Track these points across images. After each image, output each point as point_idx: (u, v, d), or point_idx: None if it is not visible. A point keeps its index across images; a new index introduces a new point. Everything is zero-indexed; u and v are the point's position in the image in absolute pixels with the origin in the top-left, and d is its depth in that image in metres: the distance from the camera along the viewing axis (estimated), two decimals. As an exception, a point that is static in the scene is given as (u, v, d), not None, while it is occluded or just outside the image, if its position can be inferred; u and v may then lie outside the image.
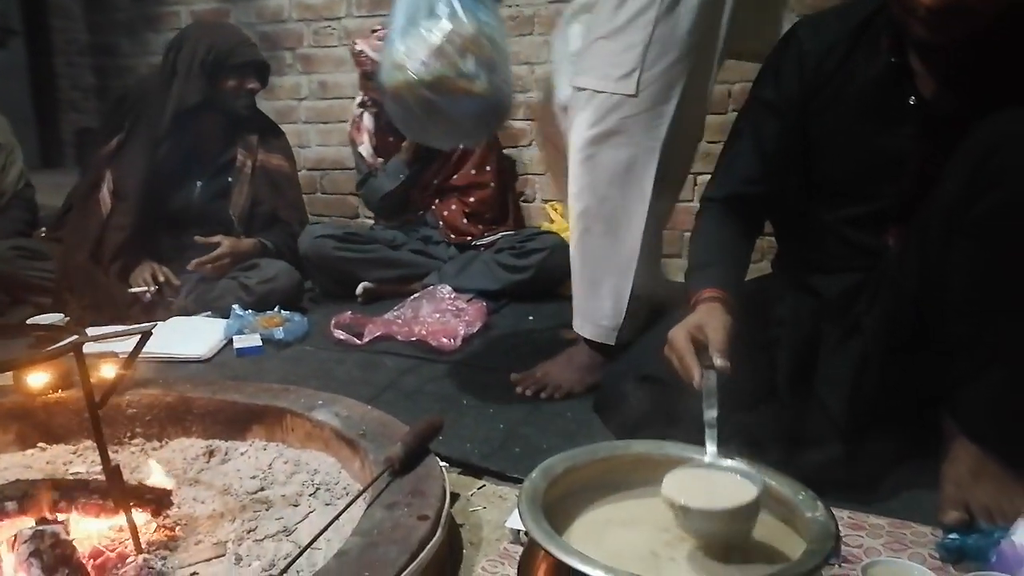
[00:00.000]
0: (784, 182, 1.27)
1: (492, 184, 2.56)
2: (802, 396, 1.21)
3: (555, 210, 2.75)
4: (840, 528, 1.01)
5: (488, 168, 2.58)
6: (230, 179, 2.31)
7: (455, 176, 2.53)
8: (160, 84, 2.22)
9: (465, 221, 2.50)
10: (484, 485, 1.26)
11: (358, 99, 2.58)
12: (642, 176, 1.46)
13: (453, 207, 2.51)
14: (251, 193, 2.33)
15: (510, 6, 2.56)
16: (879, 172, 1.17)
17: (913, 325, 1.13)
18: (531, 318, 2.17)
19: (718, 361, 0.99)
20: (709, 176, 2.35)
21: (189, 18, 3.23)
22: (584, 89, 1.47)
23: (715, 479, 0.85)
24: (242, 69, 2.25)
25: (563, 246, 2.35)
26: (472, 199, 2.52)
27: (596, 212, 1.49)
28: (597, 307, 1.55)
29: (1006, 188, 0.98)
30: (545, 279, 2.32)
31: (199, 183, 2.28)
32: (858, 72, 1.16)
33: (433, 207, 2.53)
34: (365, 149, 2.53)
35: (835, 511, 1.03)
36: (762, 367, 1.23)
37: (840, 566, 0.96)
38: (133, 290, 2.10)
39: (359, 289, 2.31)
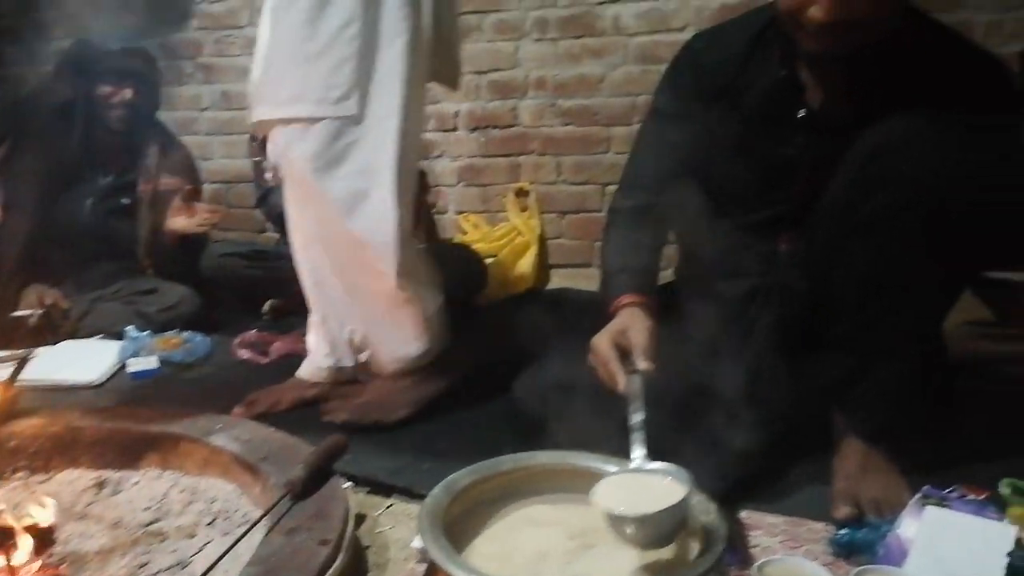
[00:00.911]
0: (685, 190, 1.30)
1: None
2: (704, 399, 1.24)
3: (468, 221, 2.75)
4: (737, 529, 1.05)
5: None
6: (124, 200, 2.19)
7: None
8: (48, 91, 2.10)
9: None
10: (392, 504, 1.23)
11: None
12: (378, 200, 1.37)
13: None
14: (152, 221, 2.22)
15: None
16: (772, 180, 1.21)
17: (804, 326, 1.18)
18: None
19: (642, 364, 1.01)
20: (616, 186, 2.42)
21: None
22: (295, 120, 1.34)
23: (644, 483, 0.86)
24: (115, 75, 2.11)
25: (478, 260, 2.36)
26: None
27: (348, 248, 1.40)
28: (393, 340, 1.50)
29: (889, 192, 1.04)
30: (459, 292, 2.30)
31: (89, 200, 2.16)
32: (752, 83, 1.20)
33: None
34: (267, 164, 2.46)
35: (734, 512, 1.07)
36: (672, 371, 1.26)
37: (737, 567, 0.98)
38: (16, 314, 1.97)
39: (266, 307, 2.24)
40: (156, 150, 2.25)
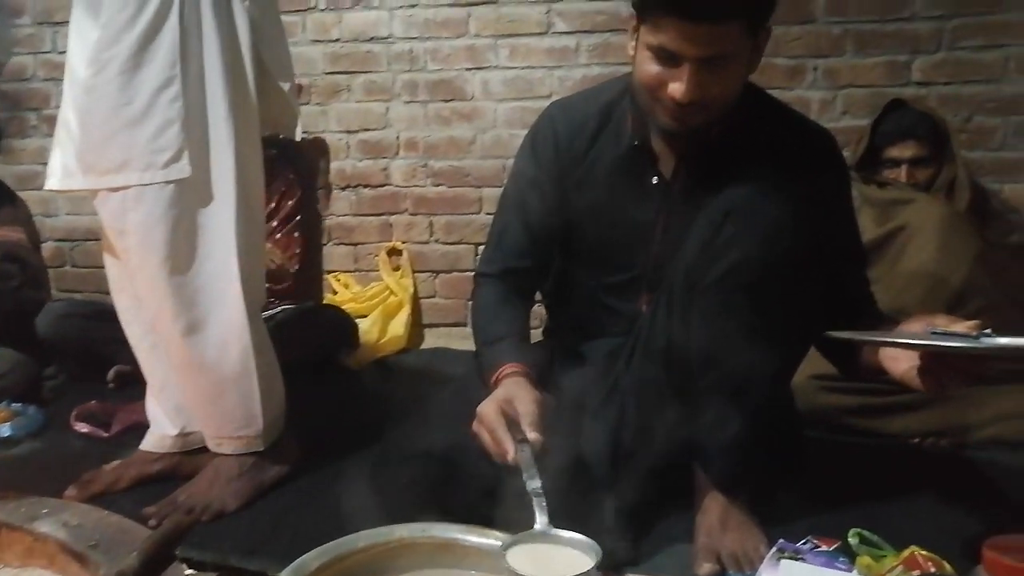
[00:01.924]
0: (549, 254, 1.33)
1: (297, 267, 2.48)
2: (573, 460, 1.23)
3: (338, 280, 2.69)
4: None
5: (296, 251, 2.49)
6: None
7: None
8: None
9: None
10: (246, 588, 1.14)
11: None
12: (220, 264, 1.30)
13: None
14: None
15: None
16: (630, 244, 1.26)
17: (664, 383, 1.20)
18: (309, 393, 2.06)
19: (531, 435, 0.99)
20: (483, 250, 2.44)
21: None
22: (122, 188, 1.25)
23: (551, 551, 0.84)
24: None
25: (343, 319, 2.30)
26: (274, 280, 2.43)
27: (187, 316, 1.31)
28: (229, 419, 1.38)
29: (735, 254, 1.09)
30: (327, 355, 2.23)
31: None
32: (606, 152, 1.25)
33: None
34: None
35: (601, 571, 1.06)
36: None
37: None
38: None
39: (111, 374, 2.07)
40: None
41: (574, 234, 1.29)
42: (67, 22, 2.70)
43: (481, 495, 1.07)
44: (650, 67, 1.09)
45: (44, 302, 2.15)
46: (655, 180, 1.22)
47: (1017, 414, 1.62)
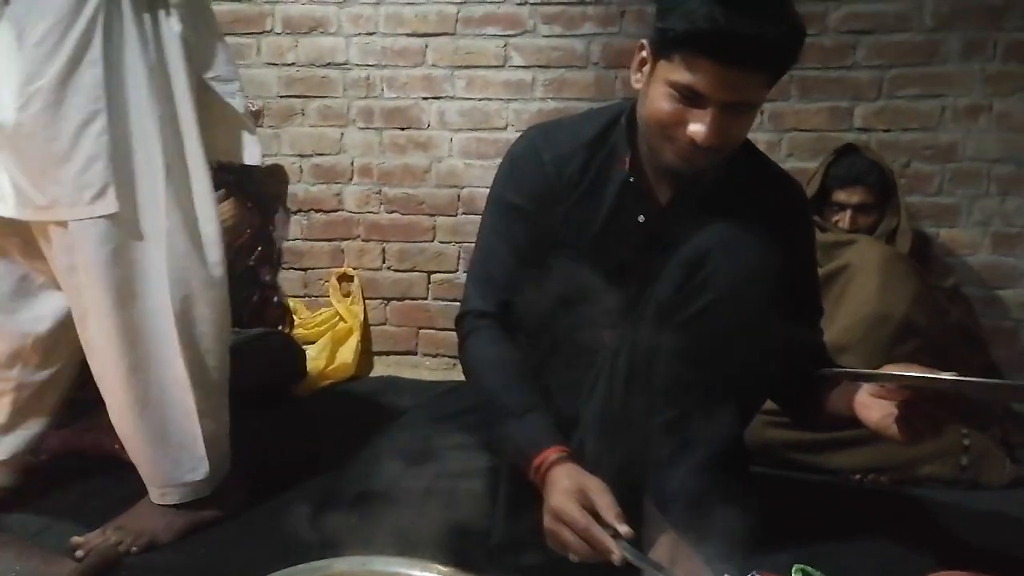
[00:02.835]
0: (528, 286, 1.25)
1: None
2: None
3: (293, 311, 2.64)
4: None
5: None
6: None
7: None
8: None
9: None
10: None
11: None
12: (160, 303, 1.26)
13: None
14: None
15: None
16: (605, 278, 1.23)
17: (622, 417, 1.20)
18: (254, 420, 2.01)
19: (623, 528, 0.95)
20: (442, 274, 2.42)
21: None
22: (50, 223, 1.23)
23: None
24: None
25: (290, 347, 2.26)
26: None
27: (129, 356, 1.27)
28: (173, 464, 1.34)
29: (708, 296, 1.09)
30: (273, 383, 2.18)
31: None
32: (592, 186, 1.22)
33: None
34: None
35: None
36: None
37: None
38: None
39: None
40: None
41: (553, 266, 1.24)
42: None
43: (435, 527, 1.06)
44: (668, 105, 1.07)
45: None
46: (641, 218, 1.20)
47: (952, 451, 1.67)
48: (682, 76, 1.04)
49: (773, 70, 1.06)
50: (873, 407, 1.08)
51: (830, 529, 1.38)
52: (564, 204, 1.22)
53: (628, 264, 1.22)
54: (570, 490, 0.99)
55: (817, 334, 1.31)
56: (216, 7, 2.55)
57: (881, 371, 1.05)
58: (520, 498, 1.10)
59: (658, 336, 1.14)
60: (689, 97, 1.05)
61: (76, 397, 1.99)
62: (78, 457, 1.66)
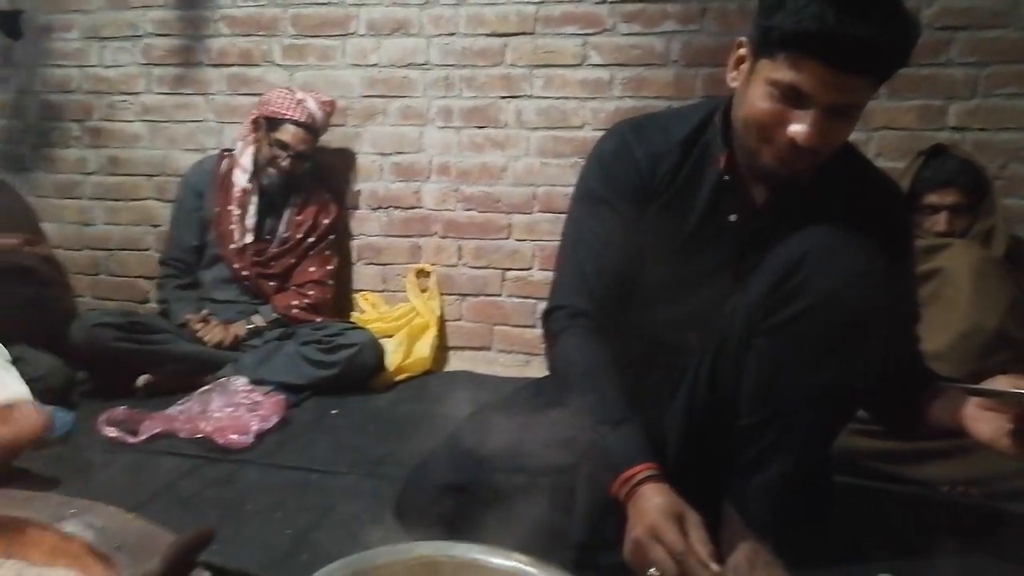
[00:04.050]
0: (631, 281, 1.23)
1: (331, 282, 2.55)
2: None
3: (366, 300, 2.71)
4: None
5: (330, 267, 2.54)
6: None
7: (295, 275, 2.51)
8: None
9: (298, 312, 2.44)
10: (263, 600, 1.14)
11: (246, 160, 2.43)
12: None
13: (293, 302, 2.44)
14: None
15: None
16: (694, 279, 1.22)
17: (705, 418, 1.19)
18: (335, 412, 2.07)
19: (715, 567, 0.93)
20: (517, 272, 2.44)
21: (-40, 79, 2.92)
22: None
23: None
24: None
25: (373, 343, 2.32)
26: (311, 292, 2.49)
27: None
28: None
29: (803, 301, 1.06)
30: (352, 375, 2.25)
31: None
32: (685, 185, 1.19)
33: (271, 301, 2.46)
34: (250, 218, 2.41)
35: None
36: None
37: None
38: None
39: (140, 381, 2.10)
40: None
41: (641, 265, 1.23)
42: (113, 37, 2.80)
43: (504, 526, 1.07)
44: (769, 104, 1.04)
45: (65, 303, 2.16)
46: (733, 218, 1.18)
47: (1051, 465, 1.59)
48: (785, 75, 1.01)
49: (882, 73, 1.03)
50: (984, 420, 1.04)
51: (917, 541, 1.34)
52: (655, 202, 1.20)
53: (719, 265, 1.20)
54: (669, 512, 0.97)
55: (913, 341, 1.26)
56: (304, 11, 2.67)
57: (1002, 389, 1.02)
58: (601, 498, 1.09)
59: (747, 340, 1.12)
60: (791, 97, 1.02)
61: (168, 384, 2.11)
62: (172, 439, 1.76)
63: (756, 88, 1.06)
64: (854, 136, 2.38)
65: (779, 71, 1.02)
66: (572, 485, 1.17)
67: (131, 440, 1.73)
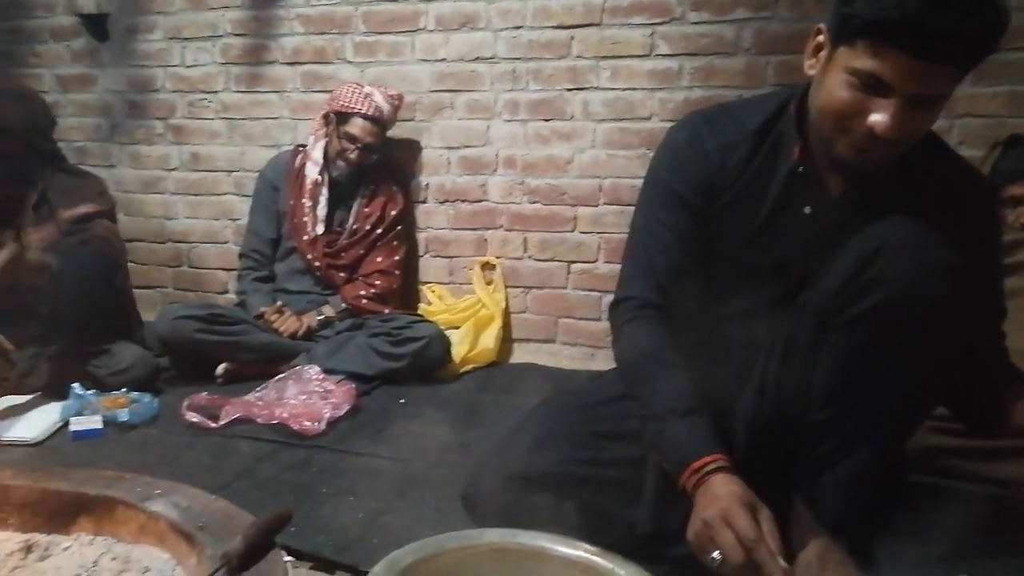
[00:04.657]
0: (698, 274, 1.22)
1: (397, 272, 2.60)
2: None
3: (432, 292, 2.75)
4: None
5: (397, 258, 2.60)
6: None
7: (363, 265, 2.56)
8: None
9: (366, 302, 2.50)
10: (337, 581, 1.19)
11: (317, 154, 2.50)
12: None
13: (361, 292, 2.50)
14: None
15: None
16: (767, 272, 1.20)
17: (776, 413, 1.17)
18: (403, 401, 2.12)
19: (783, 565, 0.93)
20: (582, 264, 2.44)
21: (55, 81, 3.09)
22: None
23: None
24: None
25: (440, 336, 2.36)
26: (378, 282, 2.54)
27: None
28: None
29: (880, 294, 1.04)
30: (419, 367, 2.29)
31: None
32: (758, 176, 1.17)
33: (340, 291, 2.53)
34: (321, 209, 2.47)
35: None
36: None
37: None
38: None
39: (219, 369, 2.19)
40: (55, 193, 2.08)
41: (710, 257, 1.22)
42: (195, 38, 2.91)
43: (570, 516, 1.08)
44: (847, 93, 1.01)
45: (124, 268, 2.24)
46: (808, 210, 1.16)
47: None
48: (865, 64, 0.98)
49: (967, 62, 0.98)
50: None
51: (996, 542, 1.29)
52: (727, 194, 1.18)
53: (791, 258, 1.17)
54: (743, 500, 0.97)
55: (997, 337, 1.21)
56: (375, 8, 2.72)
57: None
58: (668, 490, 1.09)
59: (819, 333, 1.10)
60: (871, 86, 0.99)
61: (247, 373, 2.19)
62: (250, 424, 1.83)
63: (834, 76, 1.03)
64: (936, 124, 2.31)
65: (859, 59, 0.99)
66: (639, 476, 1.17)
67: (212, 425, 1.81)
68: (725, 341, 1.24)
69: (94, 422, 1.75)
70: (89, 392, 1.85)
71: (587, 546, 0.93)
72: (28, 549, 1.21)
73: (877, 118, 0.99)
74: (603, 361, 2.53)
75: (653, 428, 1.10)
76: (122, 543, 1.22)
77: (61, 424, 1.77)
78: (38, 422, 1.75)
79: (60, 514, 1.25)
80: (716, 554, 0.94)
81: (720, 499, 0.97)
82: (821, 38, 1.08)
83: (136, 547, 1.21)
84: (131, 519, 1.22)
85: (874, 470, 1.10)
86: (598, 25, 2.51)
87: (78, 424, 1.74)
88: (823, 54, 1.08)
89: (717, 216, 1.19)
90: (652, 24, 2.46)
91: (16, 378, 1.96)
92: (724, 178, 1.18)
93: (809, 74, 1.11)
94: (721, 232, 1.20)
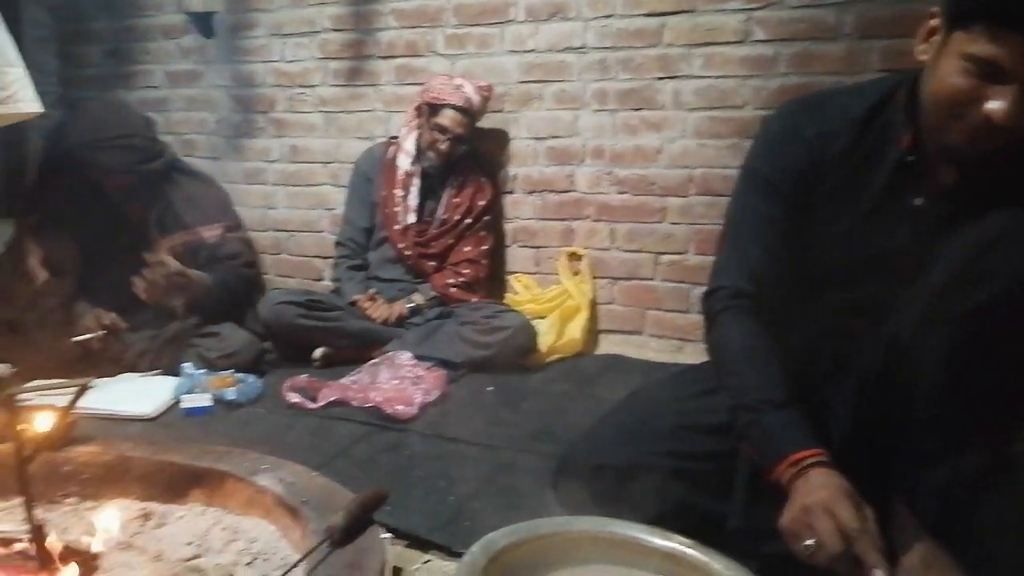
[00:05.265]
0: (789, 268, 1.20)
1: (485, 261, 2.65)
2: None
3: (520, 281, 2.78)
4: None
5: (484, 247, 2.64)
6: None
7: (452, 254, 2.61)
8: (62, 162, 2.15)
9: (454, 290, 2.55)
10: (430, 560, 1.23)
11: (409, 145, 2.57)
12: None
13: (449, 280, 2.56)
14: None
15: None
16: (867, 264, 1.16)
17: (878, 410, 1.14)
18: (490, 389, 2.15)
19: (885, 568, 0.91)
20: (671, 256, 2.41)
21: (164, 77, 3.26)
22: None
23: None
24: (102, 172, 2.13)
25: (527, 325, 2.39)
26: (466, 271, 2.59)
27: None
28: None
29: (993, 287, 1.00)
30: (507, 355, 2.33)
31: (121, 255, 2.22)
32: (862, 166, 1.14)
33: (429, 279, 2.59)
34: (413, 199, 2.54)
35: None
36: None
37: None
38: (78, 339, 2.03)
39: (317, 353, 2.29)
40: (179, 201, 2.27)
41: (805, 248, 1.19)
42: (293, 34, 3.01)
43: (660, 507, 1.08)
44: (962, 80, 0.98)
45: (260, 281, 2.39)
46: (918, 202, 1.12)
47: None
48: (982, 49, 0.95)
49: None
50: None
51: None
52: (827, 183, 1.16)
53: (897, 250, 1.13)
54: (849, 493, 0.95)
55: None
56: (466, 0, 2.75)
57: None
58: (760, 484, 1.08)
59: (927, 328, 1.06)
60: (988, 72, 0.95)
61: (342, 357, 2.28)
62: (346, 406, 1.90)
63: (948, 62, 0.99)
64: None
65: (975, 44, 0.95)
66: (729, 470, 1.16)
67: (310, 406, 1.89)
68: (822, 334, 1.21)
69: (204, 400, 1.85)
70: (199, 371, 1.96)
71: (681, 538, 0.93)
72: (146, 517, 1.30)
73: (994, 106, 0.95)
74: (691, 354, 2.49)
75: (746, 419, 1.08)
76: (231, 514, 1.30)
77: (174, 401, 1.89)
78: (153, 398, 1.87)
79: (175, 485, 1.34)
80: (811, 541, 0.92)
81: (822, 488, 0.95)
82: (934, 22, 1.04)
83: (244, 519, 1.28)
84: (240, 492, 1.30)
85: (979, 473, 1.06)
86: (691, 12, 2.47)
87: (189, 401, 1.85)
88: (936, 39, 1.03)
89: (816, 206, 1.16)
90: (748, 9, 2.40)
91: (132, 357, 2.10)
92: (824, 167, 1.15)
93: (920, 60, 1.07)
94: (820, 223, 1.17)
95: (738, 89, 2.44)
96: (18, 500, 1.29)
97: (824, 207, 1.17)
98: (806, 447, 1.01)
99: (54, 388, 1.03)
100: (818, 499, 0.94)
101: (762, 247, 1.17)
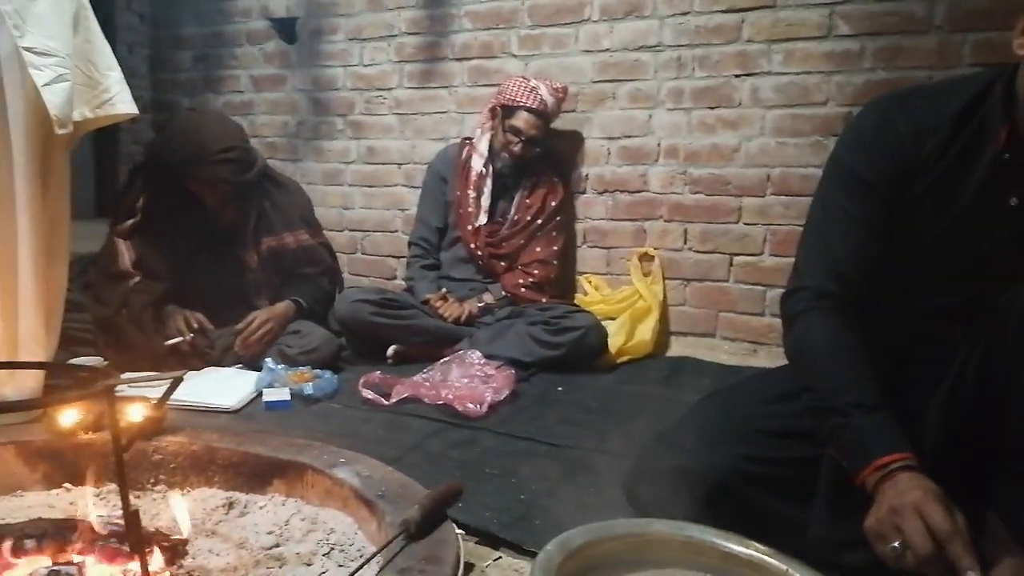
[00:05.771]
0: (879, 268, 1.16)
1: (555, 262, 2.66)
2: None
3: (589, 282, 2.77)
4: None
5: (555, 248, 2.65)
6: (237, 254, 2.33)
7: (522, 255, 2.63)
8: (158, 171, 2.23)
9: (524, 290, 2.57)
10: (500, 557, 1.23)
11: (482, 146, 2.60)
12: None
13: (519, 280, 2.58)
14: (267, 278, 2.37)
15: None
16: (962, 267, 1.12)
17: (971, 420, 1.09)
18: (560, 388, 2.15)
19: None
20: (745, 257, 2.35)
21: (249, 81, 3.38)
22: None
23: None
24: (200, 183, 2.19)
25: (597, 326, 2.38)
26: (536, 272, 2.61)
27: None
28: None
29: None
30: (577, 356, 2.32)
31: (211, 258, 2.30)
32: (957, 164, 1.10)
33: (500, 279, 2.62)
34: (485, 200, 2.58)
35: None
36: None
37: None
38: (169, 342, 2.13)
39: (390, 351, 2.33)
40: (267, 208, 2.34)
41: (899, 249, 1.14)
42: (372, 38, 3.08)
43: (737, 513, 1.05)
44: None
45: (340, 282, 2.47)
46: (1014, 202, 1.07)
47: None
48: None
49: None
50: None
51: None
52: (921, 182, 1.11)
53: (994, 252, 1.08)
54: (939, 496, 0.92)
55: None
56: (540, 0, 2.76)
57: None
58: (844, 492, 1.04)
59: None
60: None
61: (414, 354, 2.32)
62: (419, 403, 1.93)
63: None
64: None
65: None
66: (810, 477, 1.13)
67: (384, 402, 1.93)
68: (913, 340, 1.16)
69: (284, 394, 1.91)
70: (279, 367, 2.03)
71: (758, 545, 0.91)
72: (230, 505, 1.35)
73: None
74: (765, 358, 2.44)
75: (833, 421, 1.05)
76: (310, 505, 1.34)
77: (255, 395, 1.95)
78: (236, 391, 1.94)
79: (257, 475, 1.39)
80: (898, 543, 0.89)
81: (911, 490, 0.92)
82: None
83: (323, 510, 1.32)
84: (319, 483, 1.34)
85: None
86: (771, 7, 2.41)
87: (270, 395, 1.91)
88: None
89: (909, 206, 1.12)
90: (831, 4, 2.33)
91: (218, 353, 2.18)
92: (919, 165, 1.10)
93: (1019, 54, 1.02)
94: (913, 223, 1.12)
95: (820, 85, 2.37)
96: (113, 486, 1.37)
97: (918, 207, 1.12)
98: (896, 450, 0.98)
99: (146, 380, 1.07)
100: (907, 500, 0.91)
101: (849, 247, 1.13)
